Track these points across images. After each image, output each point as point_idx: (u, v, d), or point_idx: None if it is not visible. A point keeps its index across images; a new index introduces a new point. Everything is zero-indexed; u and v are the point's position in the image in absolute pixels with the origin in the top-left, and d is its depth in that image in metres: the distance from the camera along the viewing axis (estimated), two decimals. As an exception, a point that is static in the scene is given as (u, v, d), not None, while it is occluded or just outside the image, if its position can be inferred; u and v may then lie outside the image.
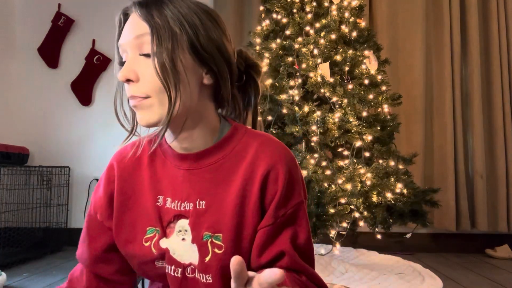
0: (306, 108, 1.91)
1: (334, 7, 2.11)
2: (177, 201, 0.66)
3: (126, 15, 0.66)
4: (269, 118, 2.00)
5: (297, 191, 0.65)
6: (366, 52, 2.06)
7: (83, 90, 2.87)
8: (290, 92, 1.96)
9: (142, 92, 0.60)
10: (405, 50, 2.80)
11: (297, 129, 1.88)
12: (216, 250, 0.62)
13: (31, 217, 2.57)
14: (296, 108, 1.93)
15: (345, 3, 2.13)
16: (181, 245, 0.65)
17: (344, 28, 2.10)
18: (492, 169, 2.70)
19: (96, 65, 2.86)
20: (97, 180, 2.76)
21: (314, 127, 1.87)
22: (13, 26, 2.92)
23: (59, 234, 2.63)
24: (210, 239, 0.63)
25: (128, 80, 0.61)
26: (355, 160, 1.88)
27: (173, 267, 0.64)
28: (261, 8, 2.36)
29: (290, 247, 0.62)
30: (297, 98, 1.95)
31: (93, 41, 2.89)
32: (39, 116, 2.87)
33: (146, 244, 0.66)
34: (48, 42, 2.89)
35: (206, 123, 0.65)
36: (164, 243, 0.65)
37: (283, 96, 1.97)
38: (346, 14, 2.12)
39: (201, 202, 0.64)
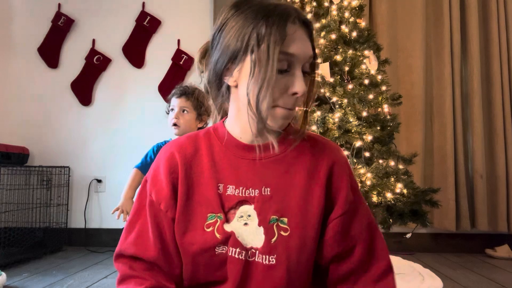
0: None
1: (334, 7, 2.11)
2: (242, 187, 0.70)
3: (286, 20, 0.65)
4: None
5: (355, 180, 0.76)
6: (366, 52, 2.06)
7: (83, 90, 2.87)
8: (290, 92, 1.96)
9: (300, 105, 0.68)
10: (405, 50, 2.80)
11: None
12: (282, 232, 0.67)
13: (31, 217, 2.57)
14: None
15: (345, 3, 2.13)
16: (243, 229, 0.68)
17: (344, 28, 2.10)
18: (492, 169, 2.70)
19: (96, 65, 2.87)
20: (97, 180, 2.79)
21: (314, 127, 1.87)
22: (13, 26, 2.92)
23: (59, 234, 2.63)
24: (276, 222, 0.68)
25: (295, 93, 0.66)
26: (355, 160, 1.88)
27: (237, 250, 0.67)
28: (261, 8, 2.36)
29: (365, 232, 0.72)
30: (297, 98, 1.95)
31: (93, 41, 2.90)
32: (39, 116, 2.87)
33: (209, 230, 0.68)
34: (48, 42, 2.89)
35: None
36: (228, 227, 0.68)
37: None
38: (346, 14, 2.12)
39: (266, 188, 0.70)
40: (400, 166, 1.95)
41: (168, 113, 1.70)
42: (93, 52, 2.87)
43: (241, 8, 0.67)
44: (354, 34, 2.10)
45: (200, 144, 0.74)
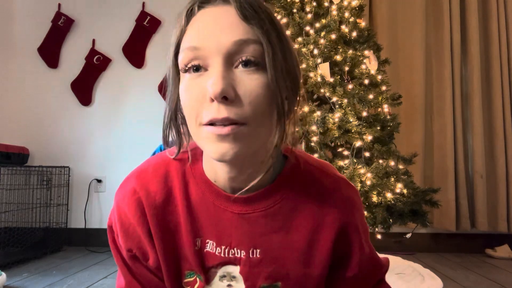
0: (306, 108, 1.91)
1: (334, 7, 2.11)
2: (224, 246, 0.57)
3: (198, 8, 0.49)
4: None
5: (367, 227, 0.62)
6: (366, 52, 2.06)
7: (83, 90, 2.87)
8: (290, 92, 1.95)
9: (242, 116, 0.45)
10: (405, 50, 2.80)
11: (297, 129, 1.88)
12: None
13: (31, 217, 2.57)
14: (296, 108, 1.92)
15: (345, 3, 2.13)
16: None
17: (344, 28, 2.10)
18: (492, 169, 2.70)
19: (96, 65, 2.86)
20: (97, 180, 2.78)
21: (314, 127, 1.87)
22: (13, 26, 2.92)
23: (59, 234, 2.63)
24: None
25: (224, 98, 0.44)
26: (355, 160, 1.88)
27: None
28: (261, 8, 2.35)
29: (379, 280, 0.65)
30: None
31: (93, 41, 2.89)
32: (39, 116, 2.87)
33: None
34: (48, 42, 2.89)
35: (267, 160, 0.53)
36: None
37: (283, 96, 1.97)
38: (346, 14, 2.12)
39: (255, 250, 0.56)
40: (400, 166, 1.95)
41: None
42: (93, 52, 2.87)
43: None
44: (354, 34, 2.10)
45: (173, 184, 0.57)
